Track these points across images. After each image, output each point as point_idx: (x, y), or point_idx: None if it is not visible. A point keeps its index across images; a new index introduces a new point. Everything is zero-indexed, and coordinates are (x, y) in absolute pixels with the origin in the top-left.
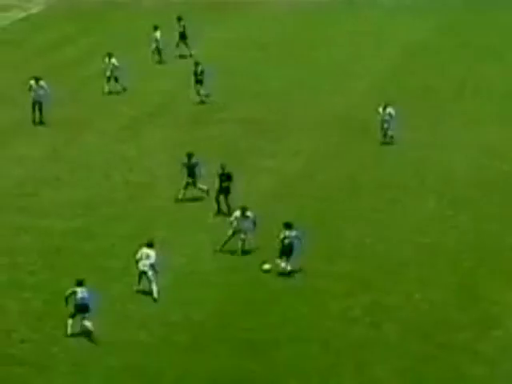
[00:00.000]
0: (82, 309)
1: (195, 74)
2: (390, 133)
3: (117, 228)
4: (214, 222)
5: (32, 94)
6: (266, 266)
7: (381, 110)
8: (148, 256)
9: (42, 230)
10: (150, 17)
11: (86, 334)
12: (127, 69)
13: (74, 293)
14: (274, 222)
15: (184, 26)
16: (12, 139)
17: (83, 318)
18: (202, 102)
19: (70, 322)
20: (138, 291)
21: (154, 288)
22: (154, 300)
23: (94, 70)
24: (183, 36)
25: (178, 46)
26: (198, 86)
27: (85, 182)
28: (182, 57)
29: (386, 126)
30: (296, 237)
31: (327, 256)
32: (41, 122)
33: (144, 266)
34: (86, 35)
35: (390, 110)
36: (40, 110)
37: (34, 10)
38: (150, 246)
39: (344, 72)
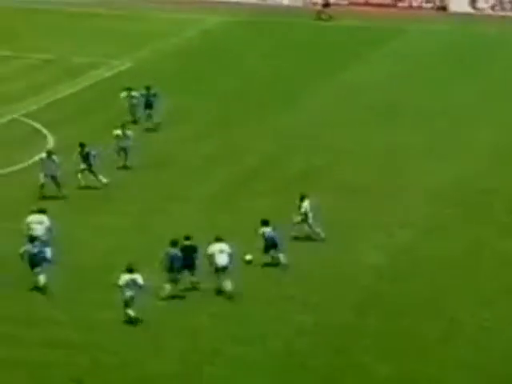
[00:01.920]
0: None
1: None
2: None
3: None
4: None
5: (119, 143)
6: (248, 257)
7: None
8: None
9: None
10: None
11: None
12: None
13: None
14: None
15: None
16: (95, 205)
17: None
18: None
19: None
20: None
21: None
22: None
23: (182, 132)
24: None
25: None
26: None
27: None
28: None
29: None
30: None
31: (443, 338)
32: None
33: None
34: (177, 96)
35: None
36: (126, 154)
37: (122, 68)
38: None
39: (463, 134)
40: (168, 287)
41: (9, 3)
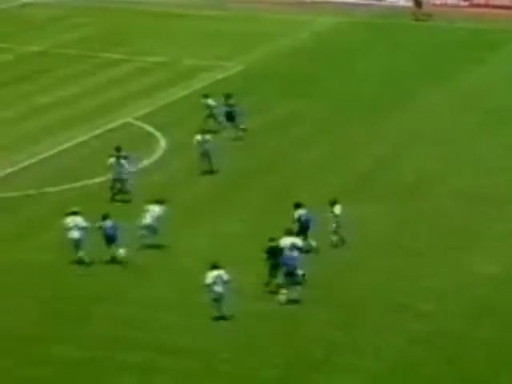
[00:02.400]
0: None
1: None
2: None
3: None
4: None
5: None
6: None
7: None
8: None
9: None
10: None
11: None
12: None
13: None
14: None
15: None
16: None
17: None
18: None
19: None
20: None
21: None
22: None
23: (293, 136)
24: None
25: None
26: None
27: None
28: None
29: None
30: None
31: None
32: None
33: None
34: (288, 99)
35: None
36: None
37: (233, 70)
38: None
39: None
40: (285, 292)
41: (120, 5)
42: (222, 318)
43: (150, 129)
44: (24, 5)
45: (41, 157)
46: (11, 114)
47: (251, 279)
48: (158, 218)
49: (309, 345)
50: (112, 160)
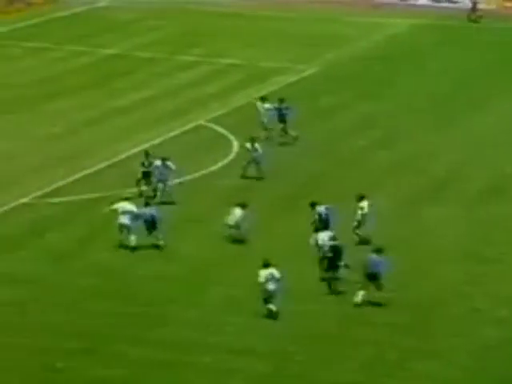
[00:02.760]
0: None
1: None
2: None
3: None
4: None
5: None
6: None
7: None
8: None
9: None
10: None
11: None
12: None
13: None
14: None
15: None
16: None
17: None
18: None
19: None
20: None
21: None
22: None
23: (369, 140)
24: None
25: None
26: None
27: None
28: None
29: None
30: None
31: None
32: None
33: None
34: (363, 101)
35: None
36: (258, 165)
37: (307, 73)
38: None
39: None
40: (363, 293)
41: (194, 7)
42: (271, 316)
43: (224, 131)
44: (100, 8)
45: (117, 159)
46: (87, 116)
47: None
48: (241, 220)
49: (382, 349)
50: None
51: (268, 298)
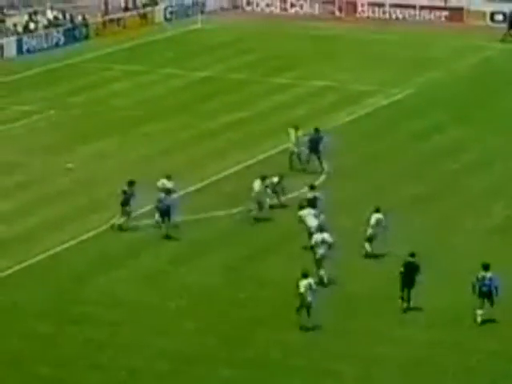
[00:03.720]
0: None
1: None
2: None
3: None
4: None
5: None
6: None
7: None
8: None
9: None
10: None
11: None
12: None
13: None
14: None
15: None
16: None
17: None
18: None
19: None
20: None
21: None
22: None
23: (462, 163)
24: None
25: None
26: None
27: (451, 288)
28: None
29: None
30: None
31: None
32: None
33: None
34: (456, 124)
35: None
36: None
37: (399, 96)
38: None
39: None
40: (481, 313)
41: (286, 30)
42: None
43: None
44: (193, 31)
45: (208, 181)
46: (179, 139)
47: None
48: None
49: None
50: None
51: (308, 308)
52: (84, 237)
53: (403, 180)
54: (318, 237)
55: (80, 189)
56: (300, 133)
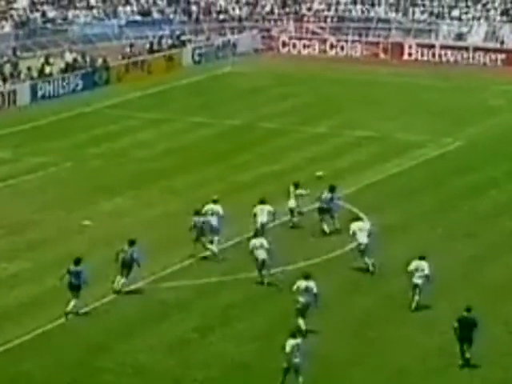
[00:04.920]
0: None
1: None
2: None
3: None
4: None
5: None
6: None
7: None
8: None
9: None
10: None
11: None
12: None
13: None
14: None
15: None
16: None
17: None
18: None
19: None
20: None
21: None
22: None
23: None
24: None
25: None
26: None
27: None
28: None
29: None
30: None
31: None
32: None
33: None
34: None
35: None
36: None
37: (451, 147)
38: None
39: None
40: None
41: (327, 72)
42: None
43: (355, 210)
44: (223, 75)
45: (240, 238)
46: (209, 192)
47: None
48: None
49: None
50: None
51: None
52: (102, 301)
53: (456, 239)
54: (300, 284)
55: (97, 248)
56: (303, 190)
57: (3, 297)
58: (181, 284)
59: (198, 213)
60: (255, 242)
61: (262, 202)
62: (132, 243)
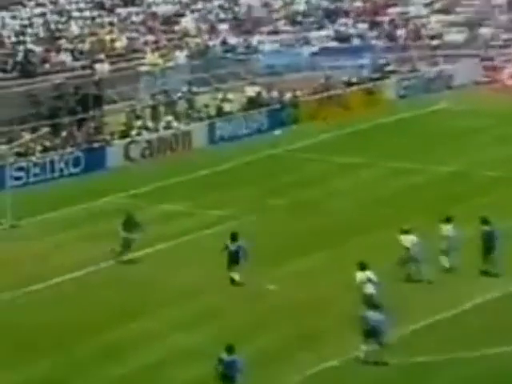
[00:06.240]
0: None
1: None
2: None
3: None
4: None
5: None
6: None
7: None
8: None
9: None
10: None
11: None
12: None
13: None
14: None
15: None
16: None
17: None
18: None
19: None
20: None
21: None
22: None
23: None
24: None
25: None
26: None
27: None
28: None
29: None
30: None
31: None
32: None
33: None
34: None
35: None
36: None
37: None
38: None
39: None
40: None
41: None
42: None
43: None
44: (436, 111)
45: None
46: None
47: None
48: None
49: None
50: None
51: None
52: None
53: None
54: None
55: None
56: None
57: None
58: None
59: None
60: None
61: None
62: (234, 238)
